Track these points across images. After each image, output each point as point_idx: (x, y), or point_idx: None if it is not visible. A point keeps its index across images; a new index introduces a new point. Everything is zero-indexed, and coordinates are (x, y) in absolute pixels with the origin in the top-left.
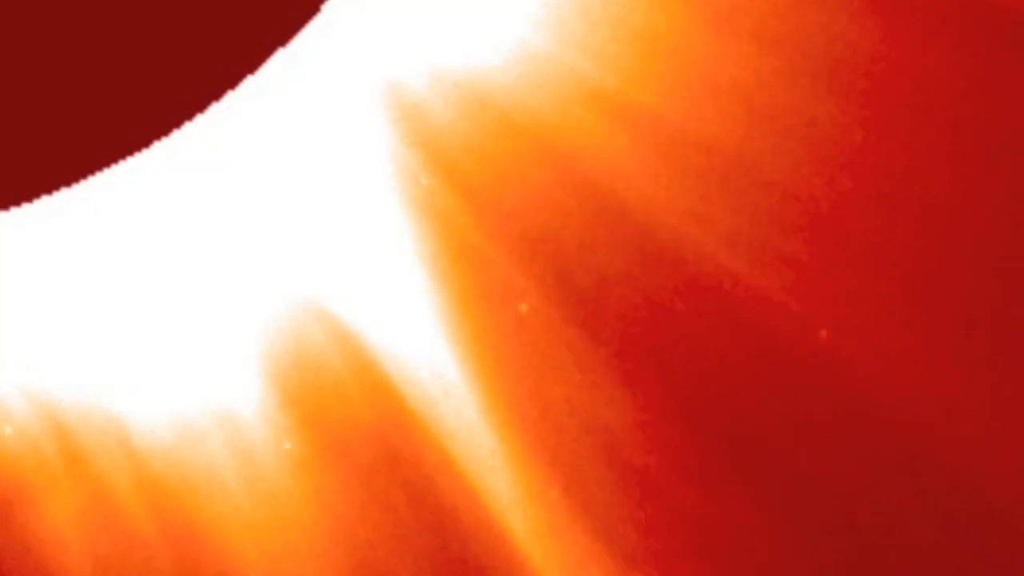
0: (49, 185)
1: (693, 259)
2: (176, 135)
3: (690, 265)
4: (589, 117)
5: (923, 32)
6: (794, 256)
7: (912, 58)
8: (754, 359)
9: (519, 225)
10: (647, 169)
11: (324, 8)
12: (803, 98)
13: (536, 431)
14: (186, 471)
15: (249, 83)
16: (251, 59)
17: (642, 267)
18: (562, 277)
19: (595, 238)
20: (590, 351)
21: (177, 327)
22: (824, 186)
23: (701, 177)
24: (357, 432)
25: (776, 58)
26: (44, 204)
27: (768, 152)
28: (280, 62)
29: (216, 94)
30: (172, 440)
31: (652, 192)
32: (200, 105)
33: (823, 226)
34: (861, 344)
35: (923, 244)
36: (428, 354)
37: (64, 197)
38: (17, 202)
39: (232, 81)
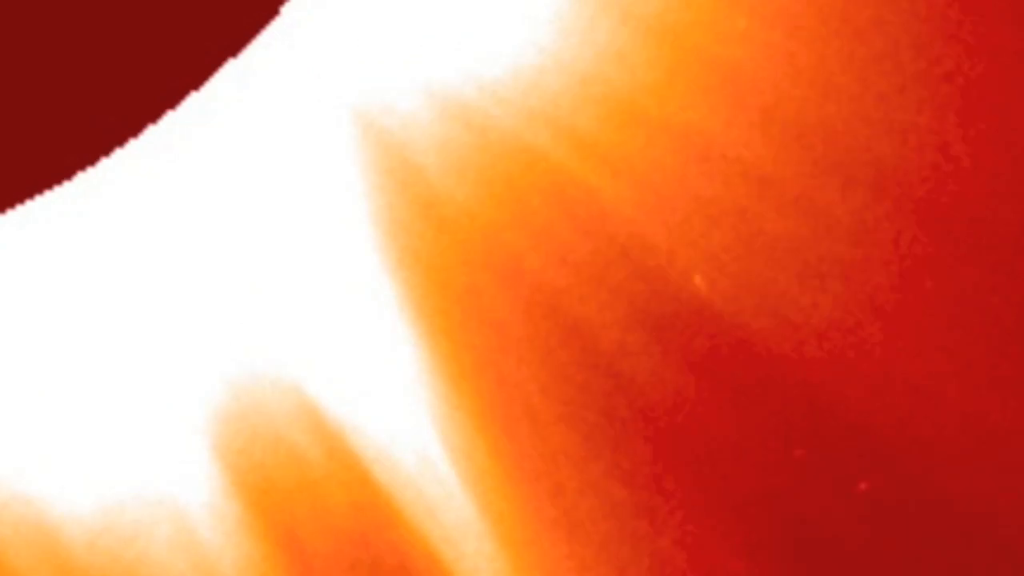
0: None
1: (708, 304)
2: (104, 165)
3: (704, 309)
4: (588, 142)
5: (992, 29)
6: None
7: (984, 57)
8: (767, 412)
9: (509, 269)
10: (651, 202)
11: (283, 10)
12: (848, 112)
13: (539, 523)
14: (120, 570)
15: (192, 101)
16: (195, 73)
17: (654, 316)
18: (564, 330)
19: (599, 281)
20: (594, 420)
21: (108, 396)
22: (874, 217)
23: (712, 212)
24: (325, 523)
25: (816, 61)
26: None
27: (805, 174)
28: (230, 75)
29: (152, 116)
30: (102, 532)
31: (658, 229)
32: (133, 131)
33: (866, 267)
34: (891, 398)
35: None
36: (408, 429)
37: None
38: None
39: (172, 100)
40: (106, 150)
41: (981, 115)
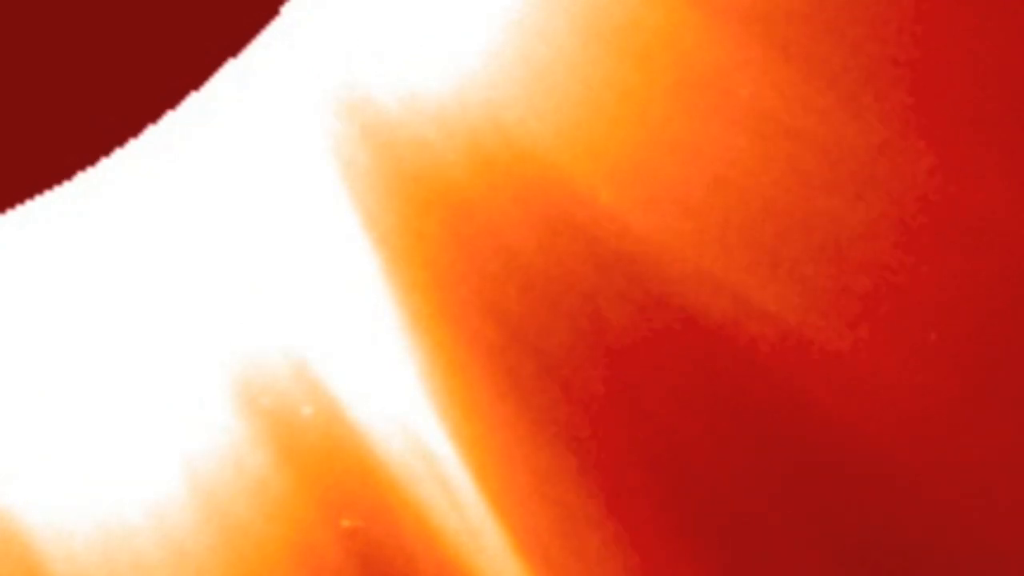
0: None
1: (683, 303)
2: (104, 164)
3: (681, 310)
4: (580, 143)
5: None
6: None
7: (974, 66)
8: (749, 415)
9: (498, 261)
10: (639, 198)
11: (283, 10)
12: (840, 123)
13: (530, 505)
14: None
15: (192, 101)
16: (195, 73)
17: (631, 316)
18: (547, 327)
19: (583, 280)
20: (577, 410)
21: (107, 396)
22: (873, 235)
23: (696, 212)
24: (322, 522)
25: (806, 73)
26: None
27: (792, 184)
28: (230, 75)
29: (152, 116)
30: (88, 545)
31: (649, 235)
32: (133, 131)
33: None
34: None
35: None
36: (404, 417)
37: None
38: None
39: (172, 100)
40: (106, 150)
41: (961, 117)
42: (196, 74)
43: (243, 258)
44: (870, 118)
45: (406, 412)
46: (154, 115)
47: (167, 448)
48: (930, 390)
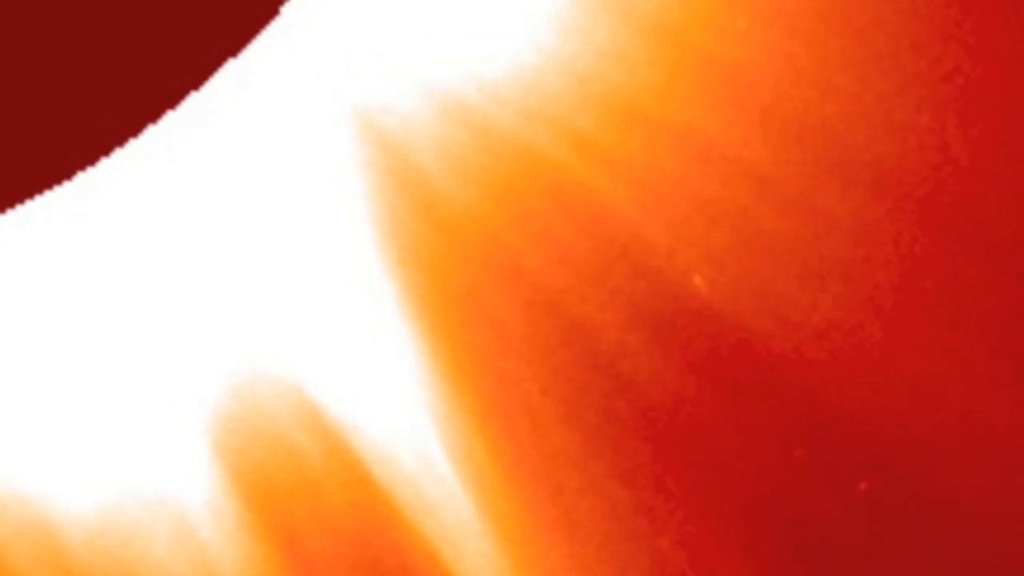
0: None
1: (709, 304)
2: (104, 164)
3: (704, 309)
4: (582, 142)
5: (992, 29)
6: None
7: (984, 56)
8: (767, 412)
9: (509, 269)
10: (651, 201)
11: (283, 10)
12: (848, 112)
13: (539, 522)
14: (120, 570)
15: (192, 101)
16: (195, 73)
17: (654, 316)
18: (564, 330)
19: (599, 281)
20: (594, 419)
21: (108, 396)
22: (893, 228)
23: (712, 211)
24: (325, 523)
25: (816, 61)
26: None
27: (804, 174)
28: (230, 75)
29: (152, 116)
30: (102, 532)
31: (659, 228)
32: (133, 131)
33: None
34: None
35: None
36: (408, 429)
37: None
38: None
39: (172, 100)
40: (106, 150)
41: (981, 115)
42: (196, 74)
43: (243, 259)
44: (892, 110)
45: (410, 426)
46: (154, 115)
47: (163, 453)
48: (956, 389)
